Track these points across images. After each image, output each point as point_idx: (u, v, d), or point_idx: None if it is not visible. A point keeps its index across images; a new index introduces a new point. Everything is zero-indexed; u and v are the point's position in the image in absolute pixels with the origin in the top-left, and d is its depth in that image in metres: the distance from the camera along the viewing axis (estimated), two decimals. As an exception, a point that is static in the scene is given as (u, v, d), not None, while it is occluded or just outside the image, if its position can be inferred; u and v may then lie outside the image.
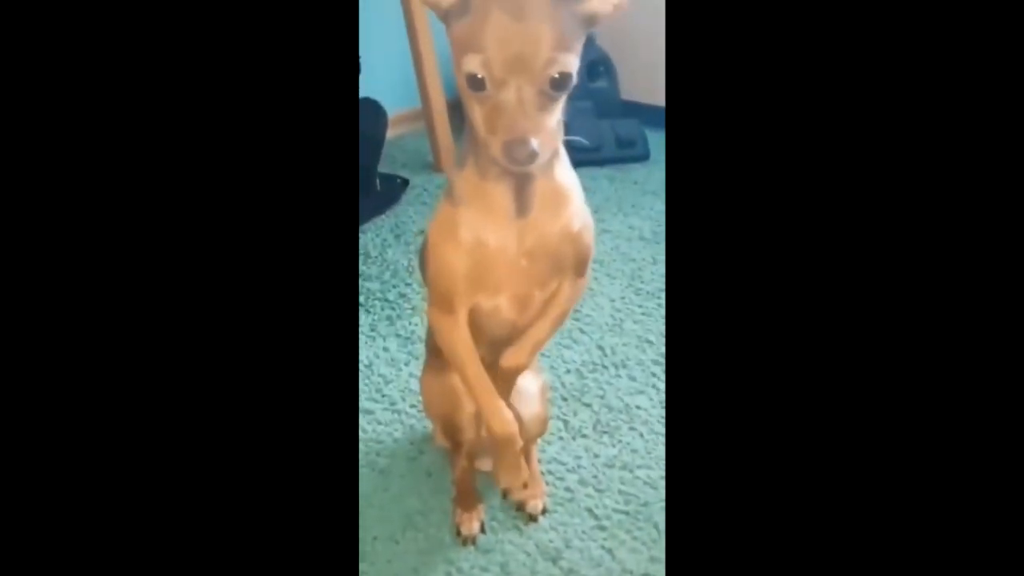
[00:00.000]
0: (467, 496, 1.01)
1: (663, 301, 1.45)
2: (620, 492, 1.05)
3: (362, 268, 1.66)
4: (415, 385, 1.24)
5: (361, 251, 1.73)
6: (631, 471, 1.08)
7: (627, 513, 1.02)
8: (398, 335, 1.42)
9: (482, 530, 1.00)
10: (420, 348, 1.34)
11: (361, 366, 1.33)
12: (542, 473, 1.08)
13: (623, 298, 1.50)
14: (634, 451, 1.12)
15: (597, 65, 2.27)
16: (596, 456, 1.12)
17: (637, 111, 2.27)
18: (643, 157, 2.13)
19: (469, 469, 1.00)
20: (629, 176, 2.05)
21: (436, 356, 0.93)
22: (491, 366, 0.83)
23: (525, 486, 0.88)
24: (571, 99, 0.71)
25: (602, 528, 1.00)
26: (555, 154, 0.71)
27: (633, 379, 1.27)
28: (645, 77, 2.29)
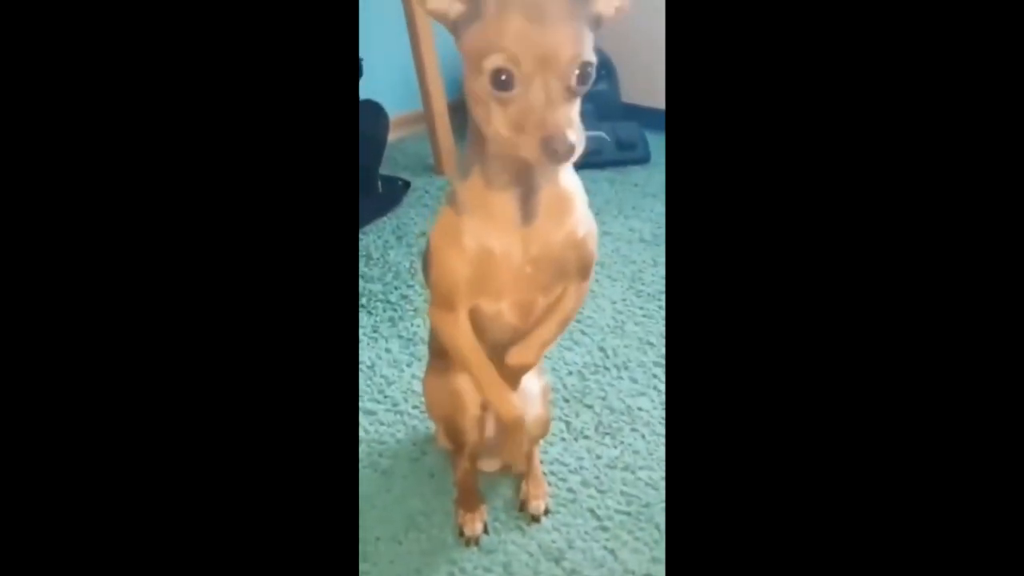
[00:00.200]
0: (470, 497, 1.01)
1: (663, 303, 1.45)
2: (622, 493, 1.05)
3: (364, 270, 1.66)
4: (417, 386, 1.24)
5: (363, 253, 1.74)
6: (633, 472, 1.09)
7: (629, 514, 1.02)
8: (400, 336, 1.42)
9: (485, 531, 1.00)
10: (422, 350, 1.35)
11: (364, 367, 1.34)
12: (544, 474, 1.08)
13: (624, 300, 1.51)
14: (636, 452, 1.12)
15: (598, 68, 2.26)
16: (598, 457, 1.12)
17: (637, 114, 2.28)
18: (644, 160, 2.14)
19: (471, 470, 1.00)
20: (629, 178, 2.06)
21: (438, 358, 0.93)
22: (496, 369, 0.83)
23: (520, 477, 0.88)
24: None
25: (604, 529, 1.00)
26: None
27: (635, 381, 1.28)
28: (645, 80, 2.30)
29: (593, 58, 0.61)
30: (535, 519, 1.02)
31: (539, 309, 0.80)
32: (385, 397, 1.26)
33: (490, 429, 0.94)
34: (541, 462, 1.09)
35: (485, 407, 0.90)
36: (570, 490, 1.07)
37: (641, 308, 1.48)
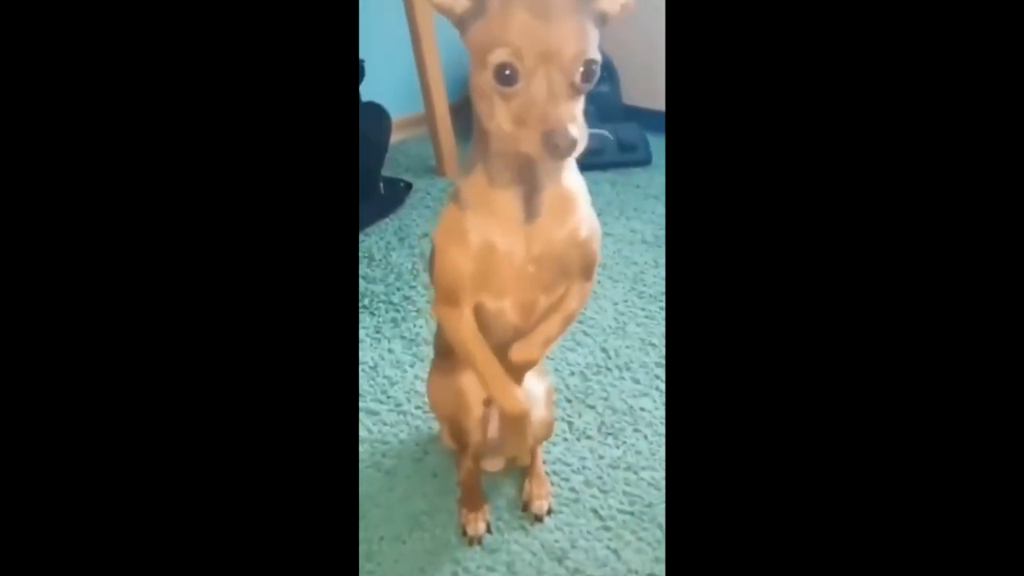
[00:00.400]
0: (473, 496, 1.02)
1: (665, 304, 1.45)
2: (625, 493, 1.06)
3: (367, 271, 1.67)
4: (420, 387, 1.25)
5: (365, 254, 1.74)
6: (635, 472, 1.09)
7: (632, 514, 1.02)
8: (403, 337, 1.43)
9: (488, 530, 1.00)
10: (425, 350, 1.36)
11: (367, 368, 1.34)
12: (547, 474, 1.08)
13: (626, 301, 1.51)
14: (638, 452, 1.13)
15: (599, 70, 2.28)
16: (601, 457, 1.12)
17: (639, 116, 2.28)
18: (645, 161, 2.14)
19: (475, 470, 1.00)
20: (631, 180, 2.06)
21: (443, 358, 0.94)
22: None
23: (523, 477, 0.87)
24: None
25: (607, 528, 1.01)
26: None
27: (637, 381, 1.28)
28: (647, 82, 2.31)
29: (598, 56, 0.61)
30: (538, 519, 1.02)
31: (541, 309, 0.80)
32: (388, 397, 1.27)
33: (493, 429, 0.94)
34: (544, 462, 1.10)
35: (488, 404, 0.90)
36: (573, 490, 1.07)
37: (643, 309, 1.48)
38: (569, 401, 1.24)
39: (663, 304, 1.49)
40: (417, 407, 1.23)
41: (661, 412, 1.20)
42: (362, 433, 1.19)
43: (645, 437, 1.15)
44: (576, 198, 0.74)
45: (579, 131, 0.60)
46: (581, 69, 0.60)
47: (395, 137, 2.11)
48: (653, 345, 1.37)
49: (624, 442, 1.15)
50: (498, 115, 0.63)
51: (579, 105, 0.63)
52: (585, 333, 1.42)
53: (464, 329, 0.79)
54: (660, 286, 1.55)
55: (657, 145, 2.13)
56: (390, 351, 1.39)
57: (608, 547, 0.98)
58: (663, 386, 1.26)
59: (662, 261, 1.63)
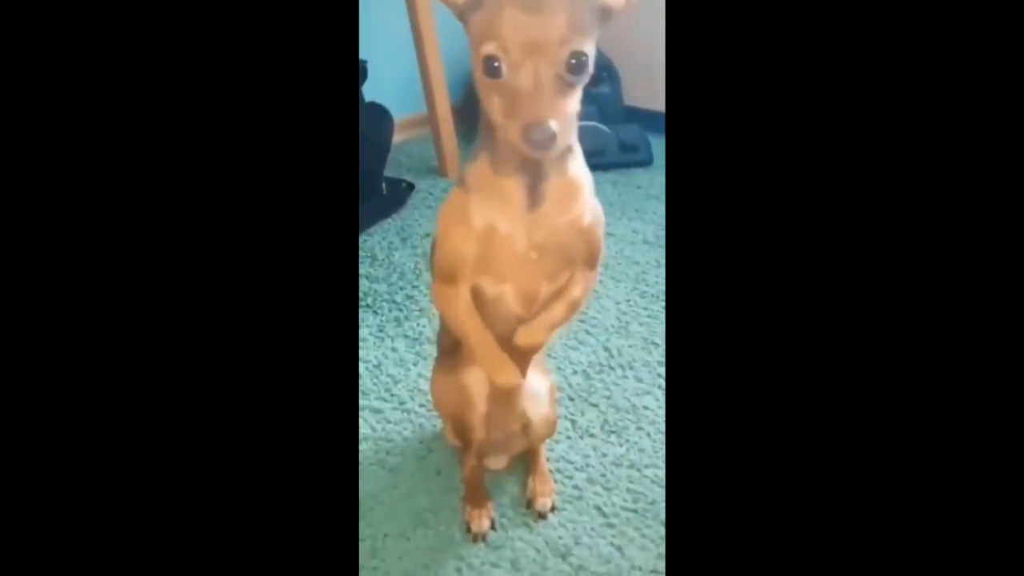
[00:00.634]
0: (477, 493, 1.02)
1: (668, 303, 1.46)
2: (628, 490, 1.06)
3: (369, 271, 1.67)
4: (424, 385, 1.25)
5: (368, 254, 1.75)
6: (639, 470, 1.10)
7: (635, 511, 1.03)
8: (406, 336, 1.43)
9: (492, 527, 1.01)
10: (428, 349, 1.36)
11: (370, 367, 1.35)
12: (551, 471, 1.09)
13: (628, 301, 1.52)
14: (641, 450, 1.13)
15: (600, 71, 2.27)
16: (604, 455, 1.13)
17: (640, 116, 2.29)
18: (646, 162, 2.15)
19: (478, 467, 1.01)
20: (632, 181, 2.07)
21: (446, 356, 0.94)
22: None
23: (526, 474, 0.86)
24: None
25: (611, 525, 1.01)
26: (569, 149, 0.71)
27: (639, 380, 1.28)
28: (648, 83, 2.32)
29: (588, 48, 0.61)
30: (542, 516, 1.02)
31: (544, 299, 0.79)
32: (392, 396, 1.27)
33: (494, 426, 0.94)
34: (547, 460, 1.10)
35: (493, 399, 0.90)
36: (576, 487, 1.07)
37: (645, 309, 1.49)
38: (572, 400, 1.24)
39: (665, 303, 1.49)
40: (421, 405, 1.24)
41: (663, 410, 1.21)
42: (366, 431, 1.19)
43: (648, 435, 1.16)
44: (580, 187, 0.74)
45: (564, 125, 0.60)
46: (568, 60, 0.60)
47: (397, 138, 2.12)
48: (655, 344, 1.38)
49: (627, 440, 1.15)
50: (491, 107, 0.64)
51: (570, 99, 0.62)
52: (588, 332, 1.42)
53: (459, 306, 0.79)
54: (662, 286, 1.55)
55: (658, 146, 2.14)
56: (393, 350, 1.39)
57: (612, 544, 0.98)
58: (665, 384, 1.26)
59: (664, 261, 1.64)
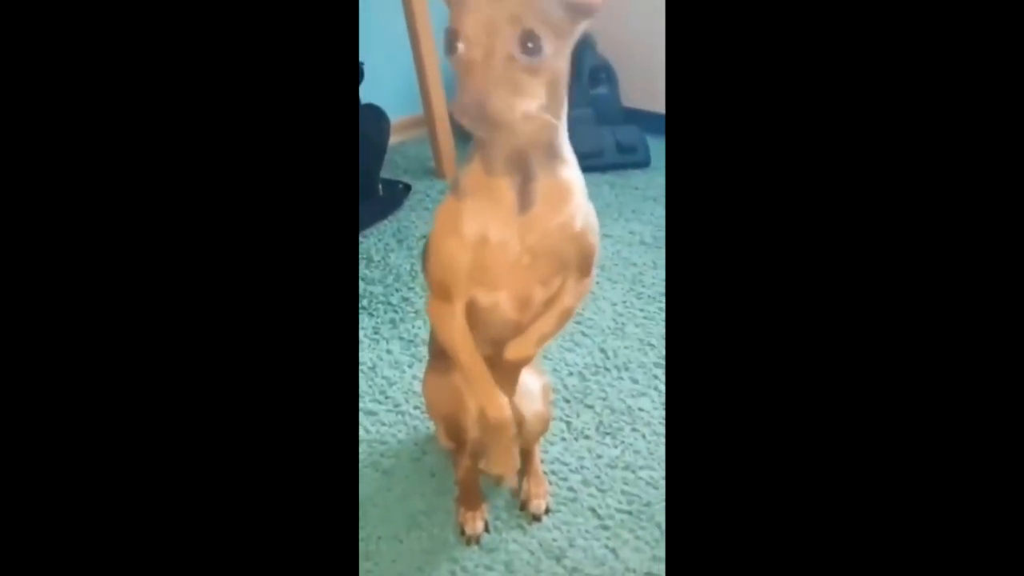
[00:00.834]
0: (471, 496, 1.02)
1: (664, 305, 1.46)
2: (623, 492, 1.06)
3: (365, 272, 1.67)
4: (418, 387, 1.24)
5: (364, 255, 1.74)
6: (633, 471, 1.09)
7: (630, 513, 1.02)
8: (401, 338, 1.43)
9: (486, 529, 1.00)
10: (423, 351, 1.36)
11: (365, 368, 1.34)
12: (545, 473, 1.08)
13: (625, 302, 1.51)
14: (636, 452, 1.13)
15: (598, 72, 2.29)
16: (599, 457, 1.12)
17: (638, 118, 2.29)
18: (644, 163, 2.15)
19: (473, 469, 1.00)
20: (630, 182, 2.06)
21: (439, 358, 0.94)
22: (495, 366, 0.83)
23: (521, 476, 0.86)
24: (572, 106, 0.72)
25: (605, 527, 1.01)
26: (558, 150, 0.71)
27: (635, 381, 1.28)
28: (646, 84, 2.31)
29: (539, 28, 0.60)
30: (536, 518, 1.02)
31: (537, 303, 0.79)
32: (386, 398, 1.27)
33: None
34: (542, 461, 1.10)
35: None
36: (571, 489, 1.07)
37: (642, 310, 1.48)
38: (567, 401, 1.24)
39: (661, 305, 1.49)
40: (415, 407, 1.23)
41: (659, 412, 1.20)
42: (360, 433, 1.19)
43: (643, 437, 1.15)
44: (571, 190, 0.74)
45: (508, 103, 0.60)
46: (526, 43, 0.60)
47: (394, 139, 2.12)
48: (651, 345, 1.37)
49: (622, 442, 1.15)
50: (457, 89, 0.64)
51: (527, 82, 0.62)
52: (584, 333, 1.42)
53: (455, 328, 0.79)
54: (659, 287, 1.55)
55: (656, 147, 2.13)
56: (388, 352, 1.39)
57: (606, 546, 0.98)
58: (661, 386, 1.26)
59: (661, 262, 1.64)
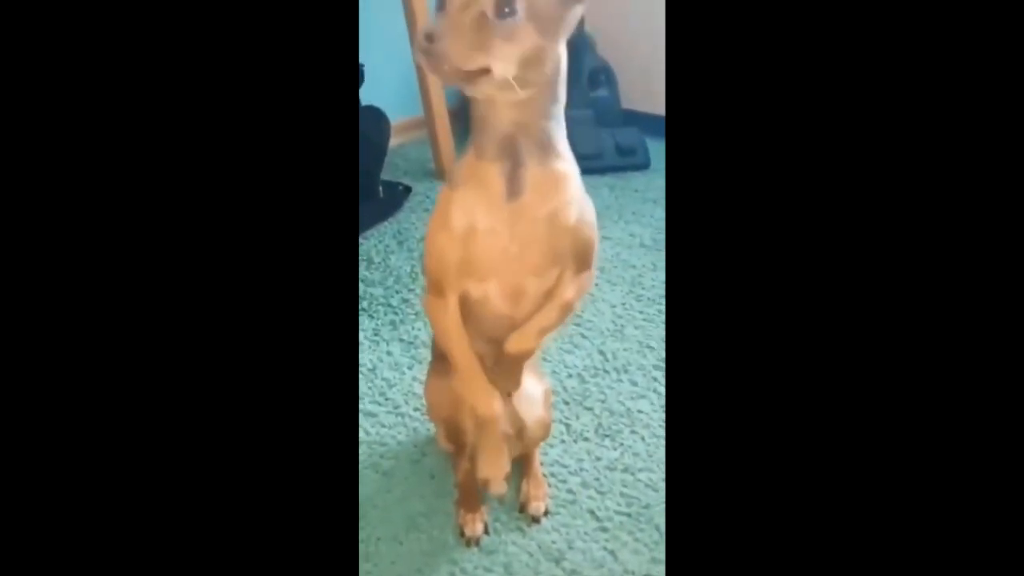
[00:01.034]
0: (470, 498, 1.02)
1: (663, 307, 1.46)
2: (622, 494, 1.06)
3: (365, 274, 1.67)
4: (418, 389, 1.25)
5: (364, 257, 1.75)
6: (632, 474, 1.09)
7: (629, 515, 1.03)
8: (401, 340, 1.43)
9: (485, 531, 1.01)
10: (423, 353, 1.36)
11: (365, 370, 1.35)
12: (545, 475, 1.09)
13: (624, 304, 1.52)
14: (635, 454, 1.13)
15: (598, 74, 2.29)
16: (598, 459, 1.13)
17: (637, 120, 2.29)
18: (643, 165, 2.15)
19: (472, 471, 1.01)
20: (630, 184, 2.07)
21: (441, 360, 0.94)
22: (495, 364, 0.84)
23: (518, 480, 0.87)
24: (572, 108, 0.72)
25: (604, 530, 1.01)
26: (548, 144, 0.72)
27: (634, 384, 1.28)
28: (645, 86, 2.32)
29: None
30: (535, 520, 1.02)
31: (531, 297, 0.79)
32: (386, 399, 1.27)
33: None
34: (541, 464, 1.10)
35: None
36: (570, 491, 1.07)
37: (641, 312, 1.49)
38: (567, 403, 1.24)
39: (661, 307, 1.49)
40: (415, 409, 1.24)
41: (658, 414, 1.21)
42: (360, 435, 1.19)
43: (642, 439, 1.16)
44: (562, 180, 0.74)
45: (461, 51, 0.62)
46: (503, 7, 0.62)
47: (394, 140, 2.12)
48: (651, 348, 1.38)
49: (621, 444, 1.15)
50: None
51: (495, 43, 0.63)
52: (583, 336, 1.42)
53: (447, 321, 0.80)
54: (658, 289, 1.55)
55: (655, 149, 2.14)
56: (388, 353, 1.39)
57: (605, 548, 0.98)
58: (661, 388, 1.26)
59: (660, 264, 1.64)
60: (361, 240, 1.83)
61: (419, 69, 2.00)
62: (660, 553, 0.96)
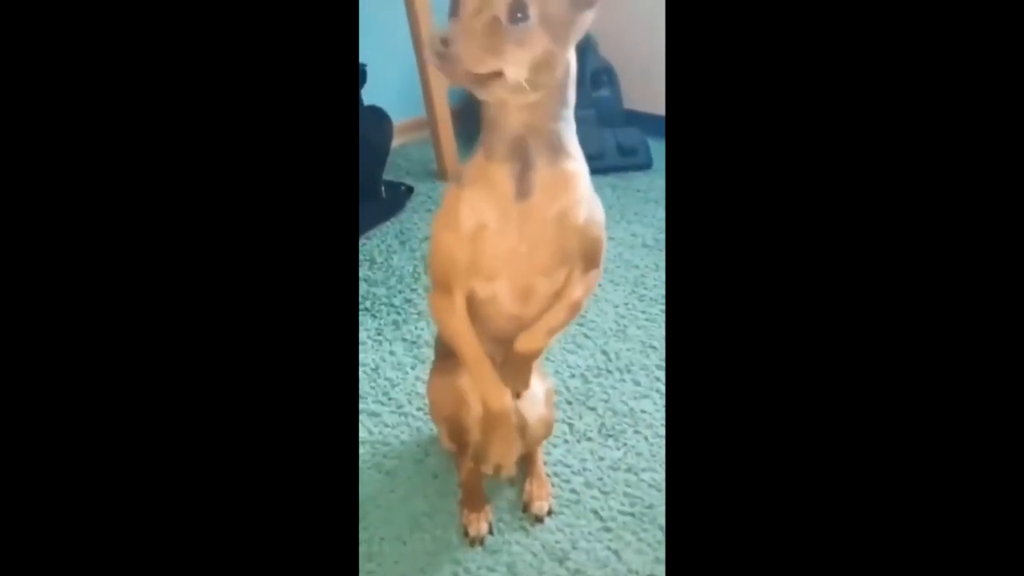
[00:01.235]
0: (474, 497, 1.02)
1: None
2: (625, 494, 1.06)
3: (368, 274, 1.67)
4: (421, 388, 1.25)
5: (367, 257, 1.75)
6: (636, 474, 1.09)
7: (632, 515, 1.03)
8: (404, 339, 1.43)
9: (489, 531, 1.00)
10: (426, 352, 1.36)
11: (368, 370, 1.35)
12: (548, 475, 1.08)
13: (627, 304, 1.52)
14: (639, 454, 1.13)
15: (600, 74, 2.29)
16: (601, 459, 1.13)
17: (639, 120, 2.29)
18: (645, 165, 2.15)
19: (476, 470, 1.01)
20: (632, 184, 2.07)
21: (444, 358, 0.94)
22: (503, 363, 0.84)
23: (522, 475, 0.87)
24: (574, 108, 0.72)
25: (608, 529, 1.01)
26: (561, 142, 0.72)
27: (637, 383, 1.28)
28: (647, 86, 2.32)
29: (531, 3, 0.63)
30: (539, 520, 1.02)
31: (540, 297, 0.79)
32: (389, 399, 1.27)
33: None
34: (545, 463, 1.10)
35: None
36: (573, 491, 1.07)
37: (643, 312, 1.49)
38: (570, 403, 1.24)
39: (663, 307, 1.49)
40: (418, 409, 1.24)
41: (661, 414, 1.21)
42: (363, 434, 1.19)
43: (645, 439, 1.16)
44: (571, 180, 0.74)
45: (474, 54, 0.63)
46: (515, 12, 0.63)
47: (396, 141, 2.12)
48: (654, 348, 1.37)
49: (624, 444, 1.15)
50: None
51: (507, 48, 0.64)
52: (586, 335, 1.42)
53: (455, 320, 0.80)
54: (660, 289, 1.55)
55: (657, 149, 2.14)
56: (391, 353, 1.39)
57: (609, 548, 0.98)
58: (663, 388, 1.26)
59: (663, 265, 1.64)
60: (363, 240, 1.83)
61: (422, 70, 2.01)
62: (663, 553, 0.96)
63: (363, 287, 1.62)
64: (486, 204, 0.73)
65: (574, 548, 0.98)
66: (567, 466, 1.12)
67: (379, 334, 1.45)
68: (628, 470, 1.10)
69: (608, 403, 1.24)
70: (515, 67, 0.64)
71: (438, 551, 0.99)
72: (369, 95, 1.93)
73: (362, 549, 0.99)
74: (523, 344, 0.82)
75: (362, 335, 1.45)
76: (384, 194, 1.97)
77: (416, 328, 1.46)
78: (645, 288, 1.57)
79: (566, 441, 1.16)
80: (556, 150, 0.72)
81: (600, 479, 1.09)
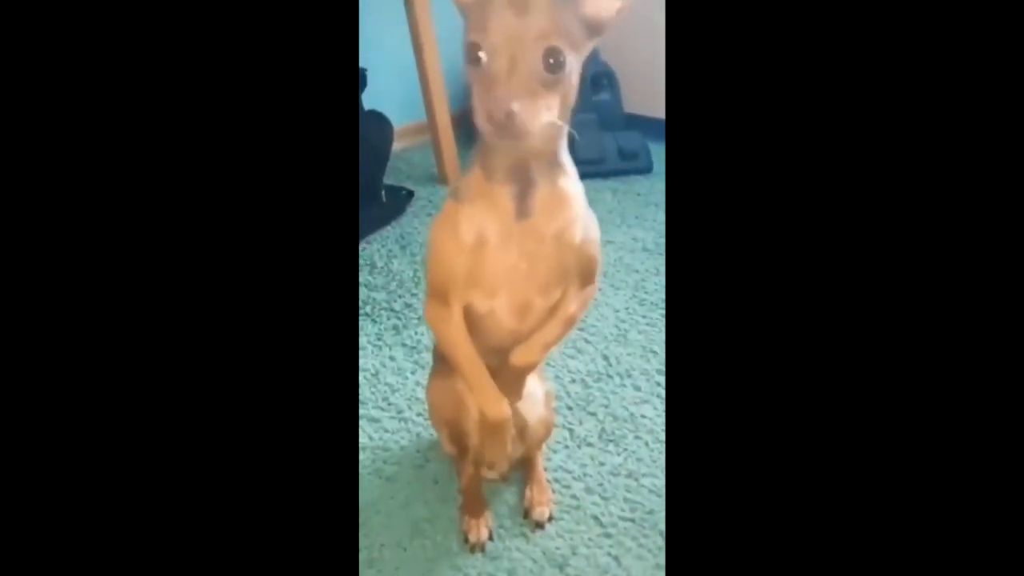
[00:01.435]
0: (474, 503, 1.02)
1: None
2: (625, 500, 1.06)
3: (368, 279, 1.67)
4: (421, 394, 1.25)
5: (367, 262, 1.75)
6: (636, 479, 1.09)
7: (633, 521, 1.02)
8: (404, 344, 1.43)
9: (490, 537, 1.00)
10: (426, 357, 1.36)
11: (368, 375, 1.34)
12: (548, 481, 1.08)
13: (627, 309, 1.52)
14: (639, 460, 1.13)
15: (600, 78, 2.29)
16: (601, 464, 1.12)
17: (640, 124, 2.29)
18: (646, 169, 2.15)
19: (476, 476, 1.01)
20: (632, 188, 2.07)
21: (443, 362, 0.94)
22: (498, 374, 0.84)
23: (524, 483, 0.86)
24: (574, 112, 0.72)
25: (608, 535, 1.01)
26: (558, 161, 0.72)
27: (638, 389, 1.28)
28: (648, 90, 2.32)
29: (564, 49, 0.62)
30: (539, 525, 1.02)
31: (537, 312, 0.79)
32: (389, 404, 1.27)
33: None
34: (545, 469, 1.10)
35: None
36: (574, 497, 1.07)
37: (644, 317, 1.49)
38: (570, 408, 1.24)
39: (664, 311, 1.49)
40: (418, 414, 1.23)
41: (662, 419, 1.20)
42: (363, 440, 1.19)
43: (646, 444, 1.16)
44: (569, 199, 0.74)
45: (531, 115, 0.61)
46: (548, 60, 0.61)
47: (397, 145, 2.12)
48: (654, 352, 1.37)
49: (625, 449, 1.15)
50: (474, 99, 0.64)
51: (547, 97, 0.63)
52: (586, 340, 1.42)
53: (452, 330, 0.80)
54: (661, 294, 1.55)
55: (658, 153, 2.14)
56: (391, 358, 1.39)
57: (609, 554, 0.98)
58: (664, 393, 1.26)
59: (663, 269, 1.64)
60: (364, 245, 1.83)
61: (422, 75, 2.01)
62: (664, 559, 0.96)
63: (363, 292, 1.62)
64: (487, 221, 0.73)
65: (574, 554, 0.98)
66: (567, 472, 1.11)
67: (379, 339, 1.45)
68: (628, 476, 1.10)
69: (608, 408, 1.24)
70: (553, 111, 0.64)
71: (438, 557, 0.99)
72: (370, 100, 1.94)
73: (362, 555, 0.99)
74: (519, 358, 0.82)
75: (362, 340, 1.45)
76: (384, 198, 1.98)
77: (416, 333, 1.46)
78: (646, 292, 1.57)
79: (566, 447, 1.16)
80: (554, 166, 0.72)
81: (600, 485, 1.09)
